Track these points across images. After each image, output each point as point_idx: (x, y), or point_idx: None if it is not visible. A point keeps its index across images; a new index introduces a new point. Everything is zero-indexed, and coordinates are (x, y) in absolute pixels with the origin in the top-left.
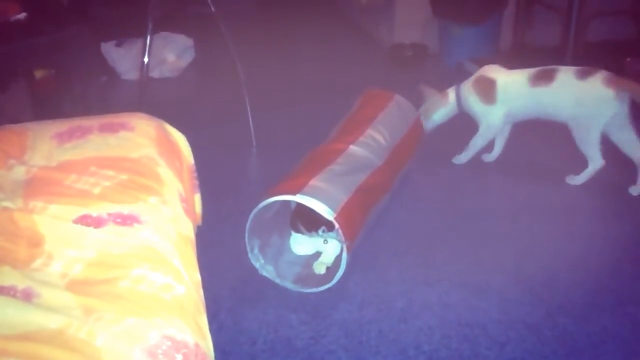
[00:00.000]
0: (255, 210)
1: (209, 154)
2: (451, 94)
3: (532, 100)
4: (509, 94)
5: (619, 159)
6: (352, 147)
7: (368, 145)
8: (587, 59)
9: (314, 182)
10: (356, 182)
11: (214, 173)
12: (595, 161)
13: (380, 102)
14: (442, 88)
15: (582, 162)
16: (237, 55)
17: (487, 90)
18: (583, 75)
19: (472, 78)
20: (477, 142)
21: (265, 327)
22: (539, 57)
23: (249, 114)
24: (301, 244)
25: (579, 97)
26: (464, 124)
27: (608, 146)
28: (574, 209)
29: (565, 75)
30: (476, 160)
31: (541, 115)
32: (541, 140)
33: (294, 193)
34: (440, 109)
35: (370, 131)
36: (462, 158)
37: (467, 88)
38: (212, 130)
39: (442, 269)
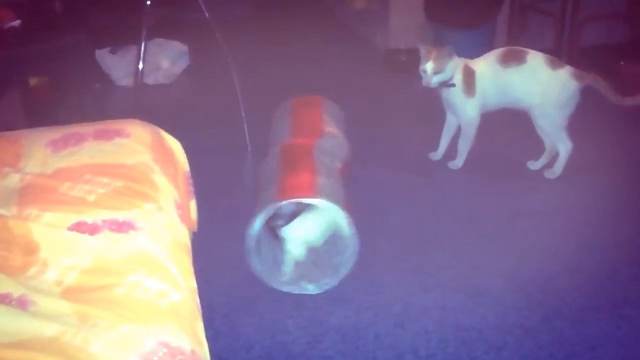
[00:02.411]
0: (267, 209)
1: (204, 160)
2: (457, 58)
3: (504, 80)
4: (484, 79)
5: (616, 161)
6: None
7: (332, 137)
8: (581, 63)
9: (319, 179)
10: (337, 169)
11: (209, 178)
12: (566, 144)
13: (314, 102)
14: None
15: (578, 164)
16: (232, 60)
17: (469, 81)
18: (553, 65)
19: (462, 65)
20: (464, 143)
21: (262, 332)
22: None
23: (244, 119)
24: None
25: (548, 87)
26: (458, 129)
27: (608, 149)
28: (569, 212)
29: (536, 59)
30: (470, 163)
31: (510, 100)
32: (535, 143)
33: (312, 196)
34: (450, 62)
35: (326, 126)
36: (457, 163)
37: (458, 73)
38: (207, 135)
39: (438, 274)
